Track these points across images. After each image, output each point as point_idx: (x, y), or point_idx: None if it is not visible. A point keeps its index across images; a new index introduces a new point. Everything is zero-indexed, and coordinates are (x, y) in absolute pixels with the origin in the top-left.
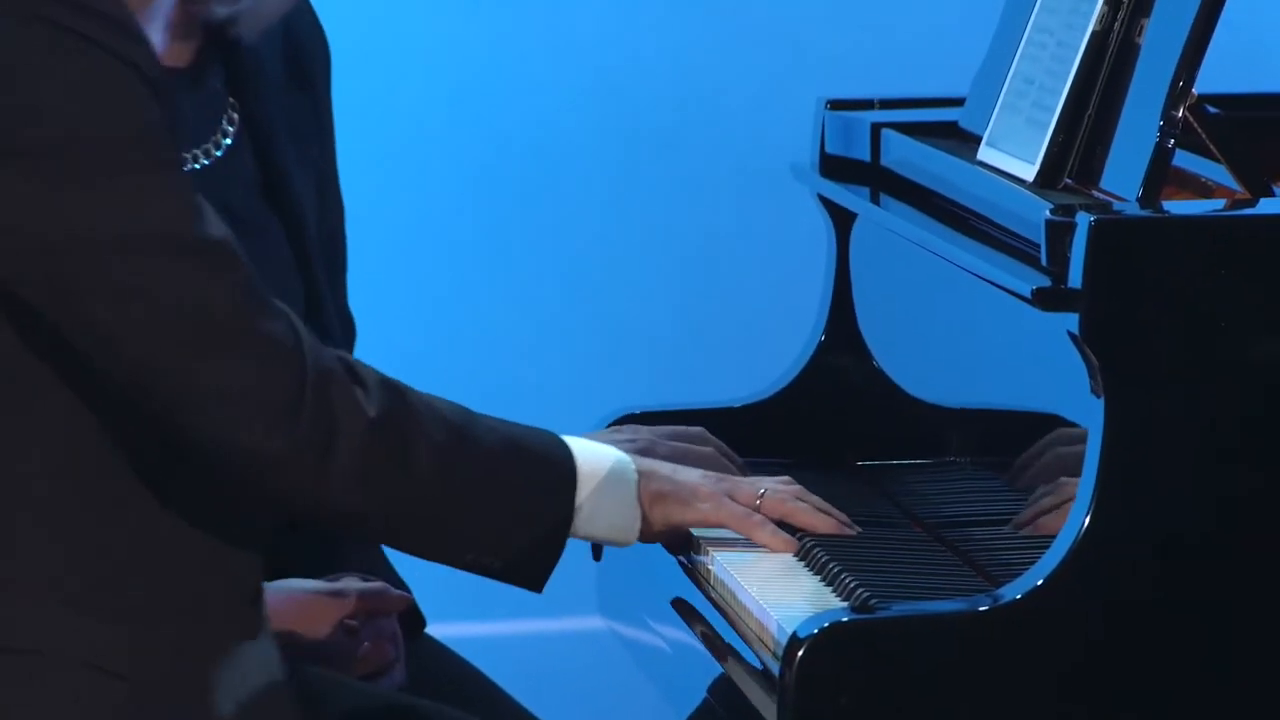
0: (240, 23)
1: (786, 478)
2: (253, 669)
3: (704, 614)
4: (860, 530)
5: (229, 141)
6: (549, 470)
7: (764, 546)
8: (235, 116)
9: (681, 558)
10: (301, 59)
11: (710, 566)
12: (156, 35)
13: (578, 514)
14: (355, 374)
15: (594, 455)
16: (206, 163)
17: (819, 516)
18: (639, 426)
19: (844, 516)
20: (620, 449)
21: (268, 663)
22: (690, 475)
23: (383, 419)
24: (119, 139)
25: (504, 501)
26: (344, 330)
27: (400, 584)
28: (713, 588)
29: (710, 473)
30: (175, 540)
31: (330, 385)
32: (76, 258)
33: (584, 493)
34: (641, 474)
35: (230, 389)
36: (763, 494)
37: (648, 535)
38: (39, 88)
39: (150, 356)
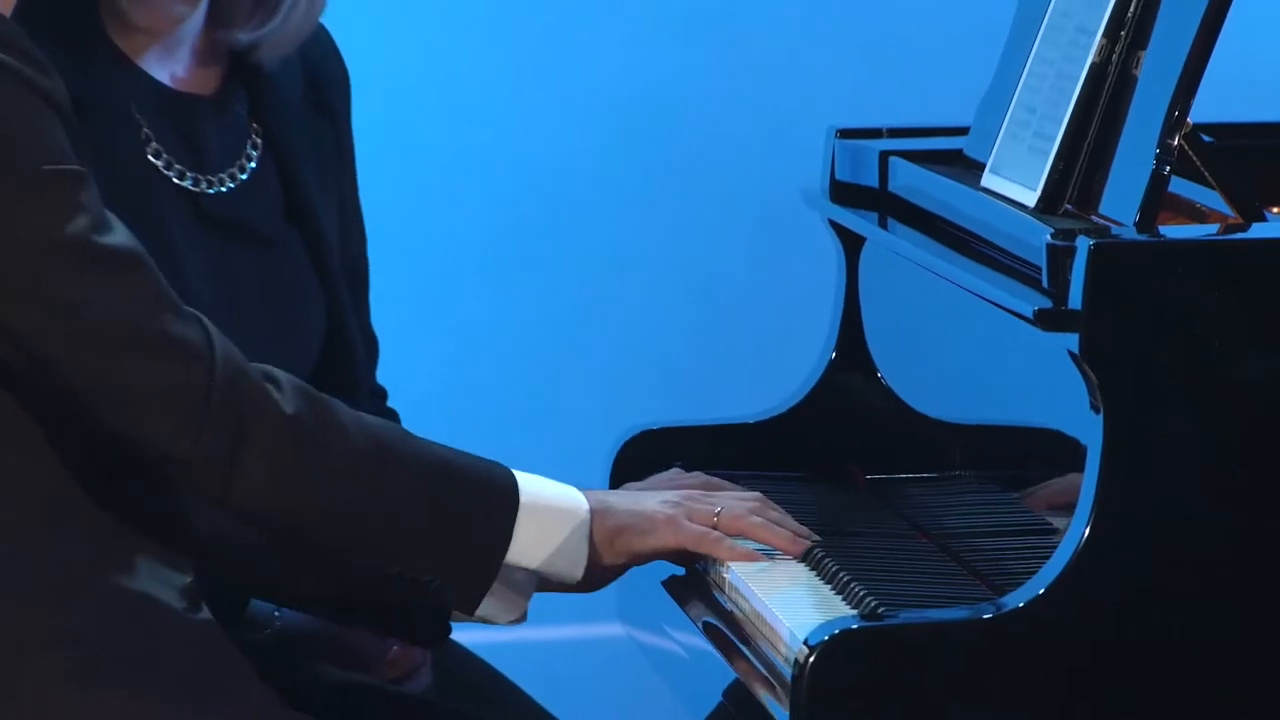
0: (261, 49)
1: (753, 494)
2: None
3: (719, 622)
4: (819, 541)
5: (254, 165)
6: (485, 492)
7: (726, 560)
8: (259, 141)
9: (699, 566)
10: (322, 87)
11: (725, 575)
12: (183, 63)
13: (514, 540)
14: (272, 378)
15: (541, 488)
16: (232, 185)
17: (774, 531)
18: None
19: (802, 530)
20: (585, 491)
21: (237, 677)
22: (647, 503)
23: (298, 419)
24: (28, 159)
25: (432, 516)
26: (367, 348)
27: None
28: (728, 596)
29: (669, 495)
30: (107, 563)
31: (242, 387)
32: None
33: (524, 521)
34: (596, 511)
35: (136, 389)
36: (719, 512)
37: (608, 570)
38: None
39: (59, 359)
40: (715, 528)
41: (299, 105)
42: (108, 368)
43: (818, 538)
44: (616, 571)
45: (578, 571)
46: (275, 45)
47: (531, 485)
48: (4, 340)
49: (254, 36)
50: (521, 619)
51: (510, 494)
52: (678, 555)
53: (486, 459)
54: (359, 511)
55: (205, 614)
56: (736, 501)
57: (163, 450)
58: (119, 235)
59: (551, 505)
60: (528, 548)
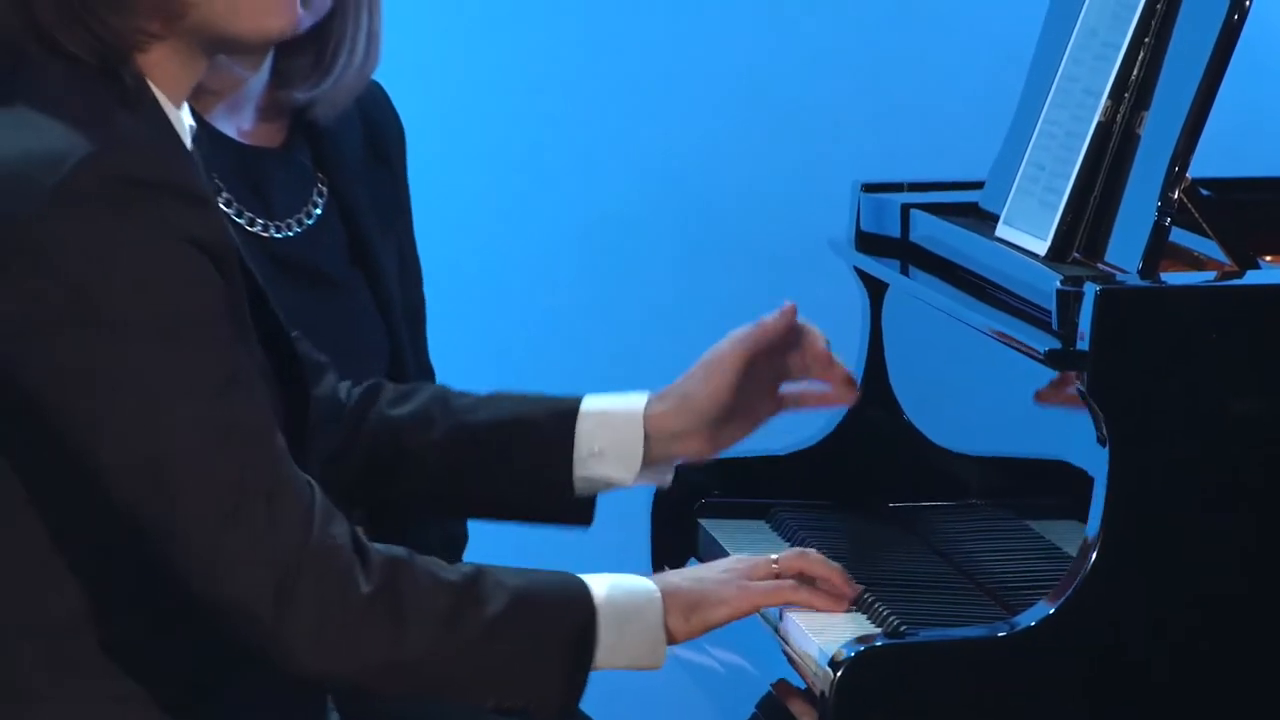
0: (319, 105)
1: (799, 550)
2: None
3: (755, 639)
4: (861, 590)
5: (319, 212)
6: (562, 617)
7: (809, 607)
8: (324, 189)
9: None
10: (379, 140)
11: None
12: (248, 118)
13: (598, 649)
14: (361, 548)
15: (612, 591)
16: (299, 230)
17: (831, 572)
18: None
19: (849, 584)
20: (652, 577)
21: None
22: (710, 575)
23: (378, 594)
24: (172, 323)
25: (514, 655)
26: (423, 379)
27: None
28: (762, 615)
29: (725, 563)
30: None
31: (327, 565)
32: (111, 416)
33: (604, 630)
34: (666, 594)
35: (232, 560)
36: (775, 560)
37: (683, 640)
38: (114, 267)
39: (163, 517)
40: (778, 574)
41: (359, 156)
42: (202, 533)
43: (860, 588)
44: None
45: (659, 659)
46: (331, 102)
47: (602, 590)
48: (108, 480)
49: (311, 94)
50: (659, 665)
51: (586, 611)
52: (747, 613)
53: (557, 573)
54: (440, 670)
55: None
56: (789, 555)
57: (238, 617)
58: (251, 400)
59: (626, 605)
60: (614, 652)
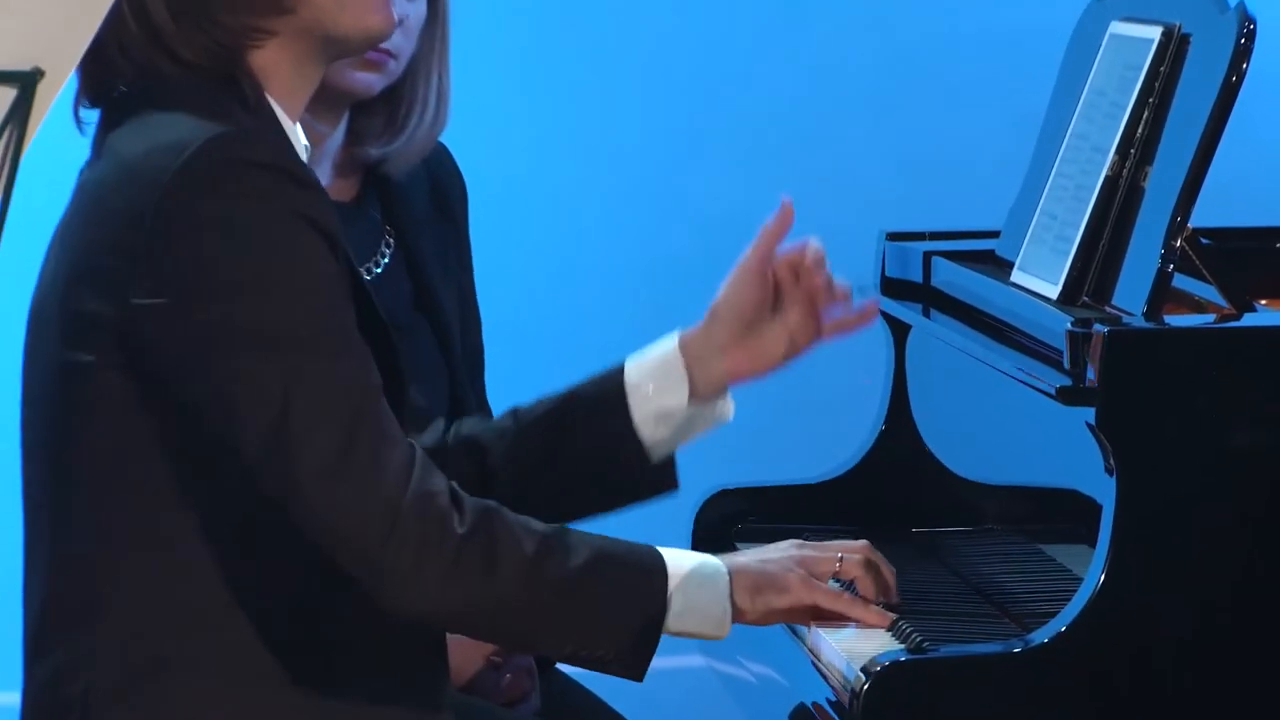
0: (390, 163)
1: (861, 542)
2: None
3: (785, 651)
4: (898, 601)
5: (386, 261)
6: (639, 574)
7: (857, 619)
8: (391, 241)
9: None
10: (444, 196)
11: None
12: (325, 174)
13: (669, 611)
14: (456, 496)
15: (685, 561)
16: (368, 278)
17: (882, 580)
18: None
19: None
20: (720, 557)
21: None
22: (776, 558)
23: (472, 536)
24: (290, 289)
25: (594, 603)
26: (482, 416)
27: None
28: (792, 630)
29: (791, 552)
30: (347, 634)
31: (427, 508)
32: (254, 372)
33: (675, 593)
34: (734, 573)
35: (344, 505)
36: (840, 559)
37: (750, 623)
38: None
39: (283, 469)
40: (839, 574)
41: (424, 211)
42: (321, 484)
43: (899, 601)
44: (753, 624)
45: (724, 630)
46: (401, 160)
47: (675, 560)
48: (242, 444)
49: (383, 152)
50: (723, 635)
51: (660, 573)
52: (807, 613)
53: (634, 543)
54: (528, 611)
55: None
56: (850, 552)
57: (348, 557)
58: (361, 364)
59: (695, 576)
60: (681, 616)
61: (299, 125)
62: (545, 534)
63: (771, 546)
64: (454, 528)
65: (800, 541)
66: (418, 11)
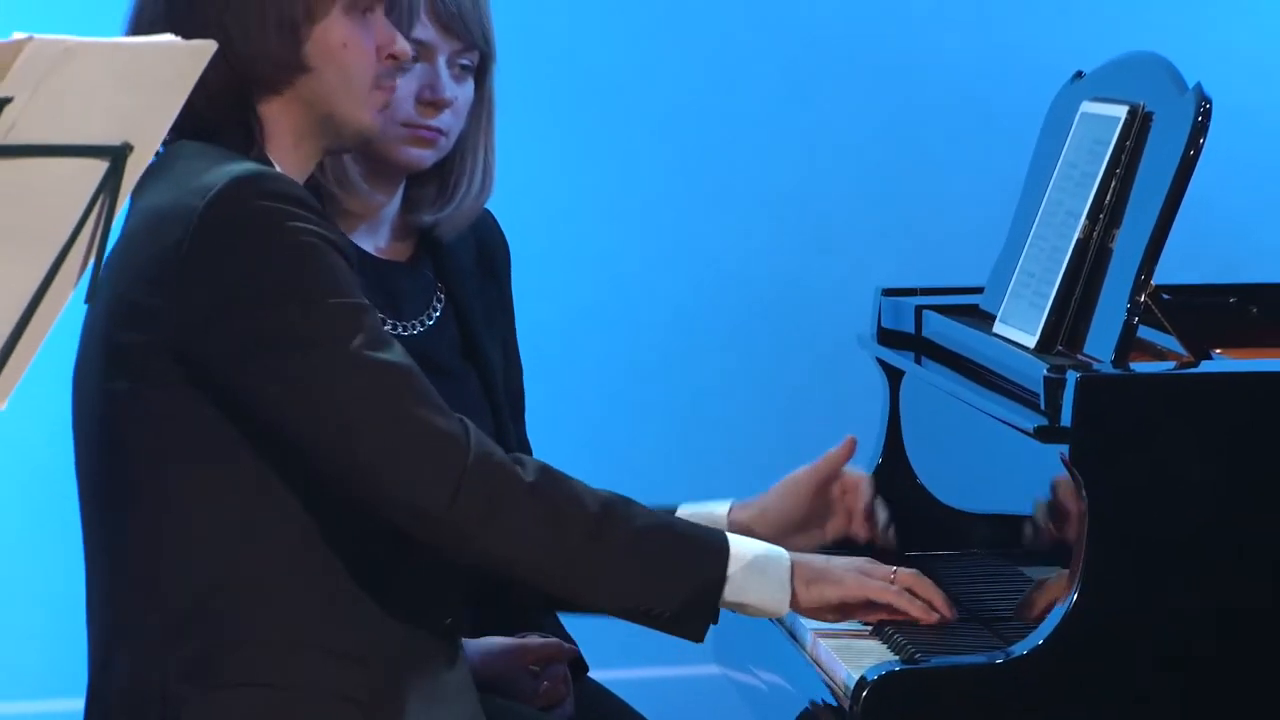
0: (441, 227)
1: (911, 570)
2: (452, 691)
3: (793, 662)
4: (951, 614)
5: (438, 314)
6: (700, 544)
7: (904, 613)
8: (442, 296)
9: (786, 621)
10: (489, 257)
11: (798, 632)
12: (384, 237)
13: (729, 581)
14: (517, 458)
15: (749, 541)
16: (421, 329)
17: (934, 593)
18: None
19: (949, 606)
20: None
21: (464, 688)
22: (837, 561)
23: (538, 486)
24: (322, 293)
25: (654, 563)
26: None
27: (569, 639)
28: (797, 642)
29: (853, 561)
30: (392, 599)
31: (491, 463)
32: (299, 370)
33: (735, 565)
34: (796, 563)
35: (404, 465)
36: (895, 572)
37: (805, 610)
38: (285, 266)
39: (341, 443)
40: (893, 583)
41: (471, 269)
42: (379, 445)
43: (956, 614)
44: (809, 613)
45: (784, 607)
46: (451, 225)
47: (739, 542)
48: (304, 428)
49: (435, 218)
50: (782, 613)
51: (721, 546)
52: (860, 605)
53: (702, 525)
54: (587, 560)
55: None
56: (904, 571)
57: (421, 510)
58: (393, 353)
59: (758, 554)
60: (742, 587)
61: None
62: (609, 497)
63: (836, 558)
64: (520, 478)
65: (865, 559)
66: (466, 94)
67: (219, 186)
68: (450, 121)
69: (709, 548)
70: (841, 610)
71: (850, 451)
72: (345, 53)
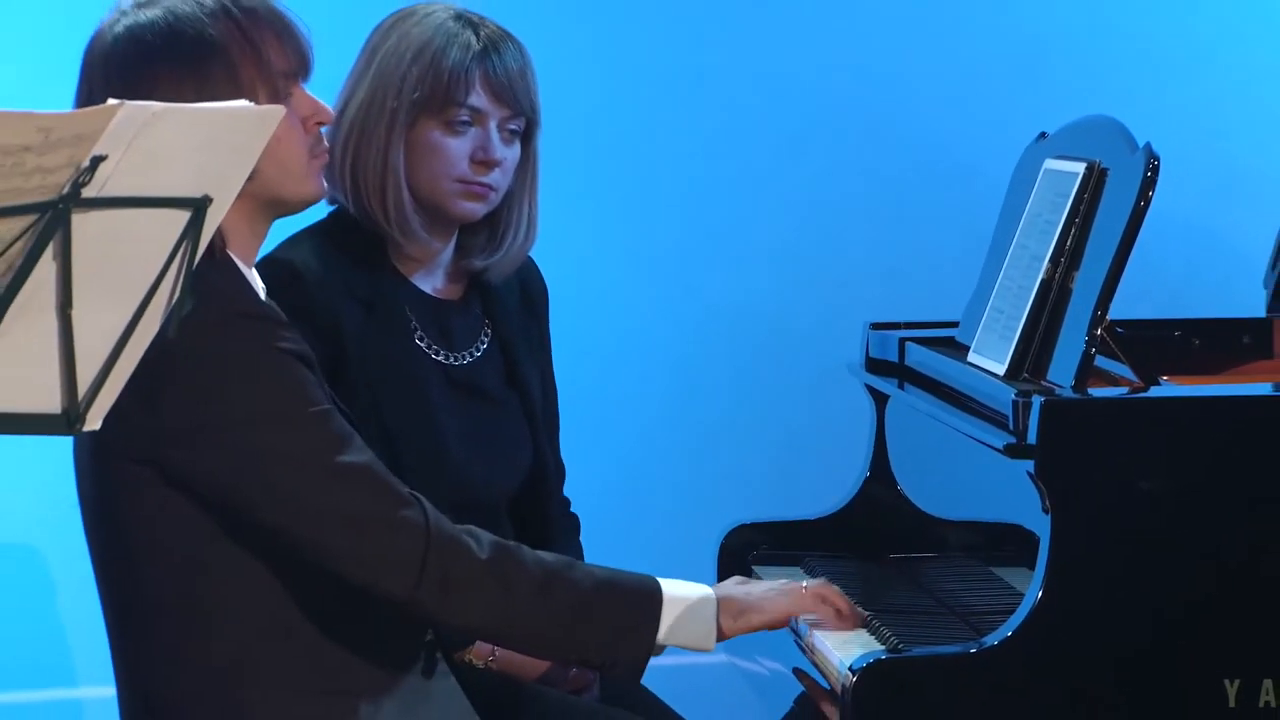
0: (490, 271)
1: (820, 580)
2: (437, 696)
3: (792, 651)
4: (867, 617)
5: (485, 347)
6: (636, 597)
7: (819, 620)
8: (489, 331)
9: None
10: (530, 297)
11: (798, 626)
12: (439, 279)
13: (662, 628)
14: (473, 535)
15: (678, 589)
16: (470, 360)
17: (841, 601)
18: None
19: (854, 609)
20: (712, 586)
21: (452, 694)
22: (756, 589)
23: (491, 562)
24: (300, 406)
25: (595, 621)
26: (557, 471)
27: None
28: (796, 635)
29: (769, 584)
30: (359, 641)
31: (446, 543)
32: (266, 476)
33: (668, 615)
34: (721, 600)
35: (370, 558)
36: (805, 586)
37: (731, 637)
38: (241, 379)
39: (313, 538)
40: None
41: (516, 309)
42: (349, 545)
43: (866, 614)
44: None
45: (710, 644)
46: (499, 269)
47: (670, 588)
48: (279, 531)
49: (485, 264)
50: (709, 649)
51: (655, 597)
52: (782, 621)
53: (636, 573)
54: (537, 623)
55: (442, 668)
56: (816, 583)
57: (388, 594)
58: (355, 451)
59: (687, 600)
60: (673, 632)
61: (254, 269)
62: (555, 564)
63: (752, 582)
64: (476, 555)
65: (779, 581)
66: (513, 155)
67: (188, 311)
68: (499, 179)
69: (645, 603)
70: (768, 628)
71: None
72: (278, 146)
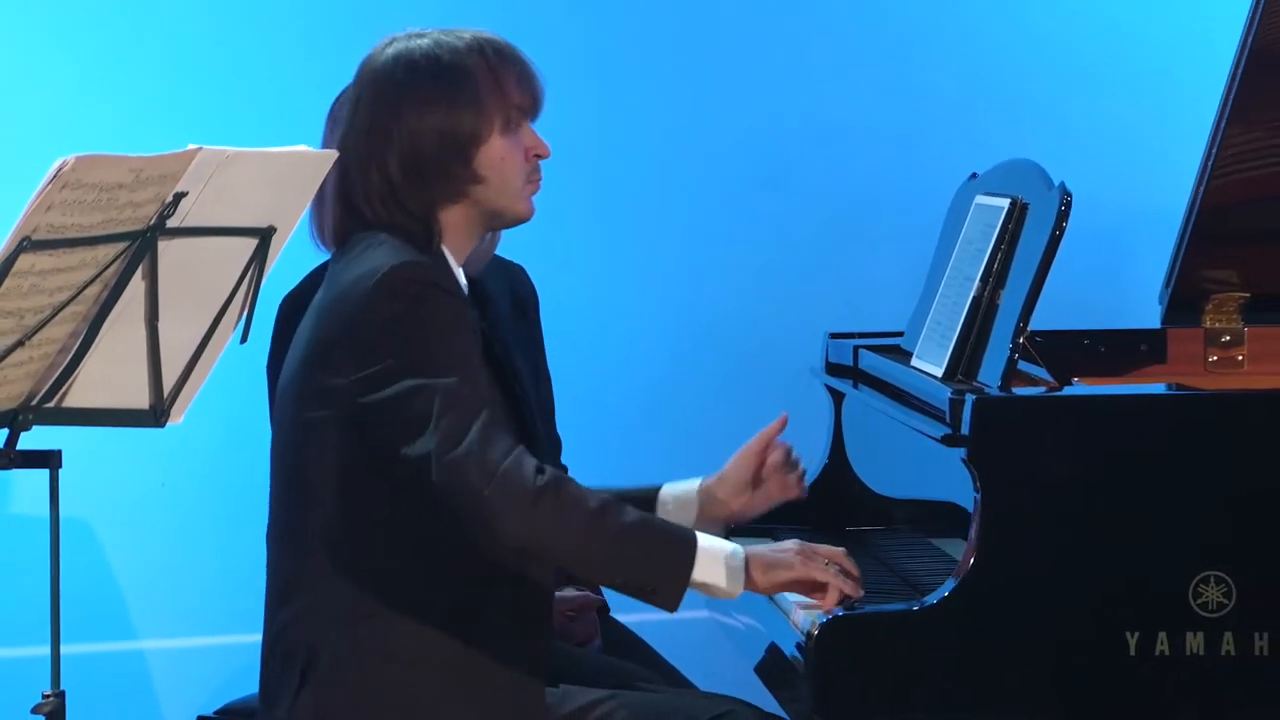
0: (467, 263)
1: (840, 549)
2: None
3: (765, 609)
4: (863, 593)
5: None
6: (674, 537)
7: (833, 586)
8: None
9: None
10: (521, 303)
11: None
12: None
13: (697, 566)
14: (539, 467)
15: (718, 541)
16: None
17: (855, 569)
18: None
19: (855, 587)
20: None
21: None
22: (781, 547)
23: (545, 487)
24: (452, 360)
25: (639, 549)
26: (551, 447)
27: (598, 592)
28: (773, 599)
29: (794, 543)
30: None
31: (515, 469)
32: (418, 420)
33: (703, 557)
34: (750, 557)
35: (456, 475)
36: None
37: (764, 591)
38: (421, 331)
39: (424, 454)
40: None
41: (507, 313)
42: (444, 463)
43: (863, 593)
44: (764, 593)
45: (737, 590)
46: (474, 261)
47: (707, 540)
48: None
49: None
50: (735, 594)
51: (691, 539)
52: (806, 584)
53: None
54: (590, 548)
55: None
56: (830, 549)
57: (466, 505)
58: (488, 406)
59: (721, 547)
60: (706, 570)
61: (461, 268)
62: (603, 497)
63: (778, 544)
64: (533, 480)
65: (799, 541)
66: None
67: (383, 272)
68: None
69: (681, 542)
70: (792, 587)
71: (782, 425)
72: (504, 164)
